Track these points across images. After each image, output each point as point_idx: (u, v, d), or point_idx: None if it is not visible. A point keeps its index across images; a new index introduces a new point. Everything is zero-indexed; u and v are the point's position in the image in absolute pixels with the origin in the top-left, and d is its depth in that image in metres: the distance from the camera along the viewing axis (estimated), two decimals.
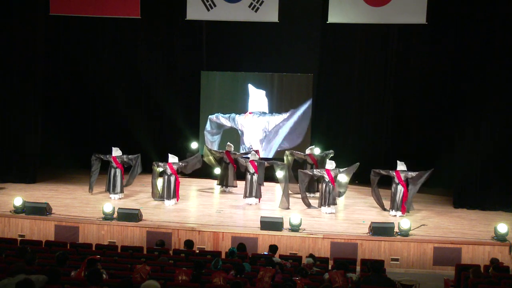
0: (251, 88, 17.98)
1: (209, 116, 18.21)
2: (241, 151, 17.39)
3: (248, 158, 15.65)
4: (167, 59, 18.52)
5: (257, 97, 18.02)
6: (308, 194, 15.84)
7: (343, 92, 17.91)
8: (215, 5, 15.49)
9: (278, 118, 17.98)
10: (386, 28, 16.91)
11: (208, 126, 18.21)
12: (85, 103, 18.68)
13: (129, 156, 15.26)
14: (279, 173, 15.33)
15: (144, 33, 18.27)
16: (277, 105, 18.11)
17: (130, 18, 16.36)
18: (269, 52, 18.02)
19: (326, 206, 14.37)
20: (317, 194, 15.49)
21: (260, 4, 15.27)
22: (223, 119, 18.16)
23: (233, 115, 18.11)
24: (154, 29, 18.25)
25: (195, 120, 18.37)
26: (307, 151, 16.43)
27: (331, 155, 16.15)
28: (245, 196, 15.23)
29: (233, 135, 17.95)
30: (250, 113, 17.97)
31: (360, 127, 17.72)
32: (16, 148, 16.68)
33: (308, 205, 14.63)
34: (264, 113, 18.06)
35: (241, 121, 18.10)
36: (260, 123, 18.04)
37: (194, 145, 18.17)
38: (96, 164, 15.37)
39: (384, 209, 14.52)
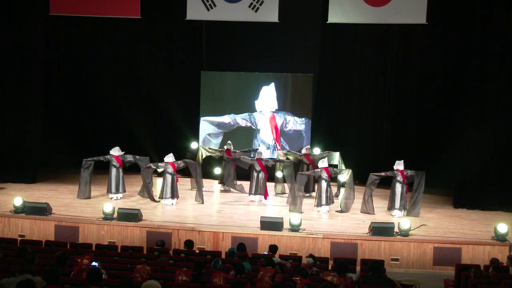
0: (265, 88, 17.88)
1: (217, 119, 18.02)
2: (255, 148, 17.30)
3: (249, 156, 15.80)
4: (167, 59, 18.54)
5: (269, 95, 17.92)
6: (304, 194, 15.90)
7: (343, 92, 17.93)
8: (215, 5, 15.49)
9: (297, 121, 17.95)
10: (386, 28, 16.91)
11: (212, 129, 18.13)
12: (85, 103, 18.70)
13: (137, 156, 15.16)
14: (282, 172, 15.47)
15: (144, 33, 18.29)
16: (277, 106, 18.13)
17: (130, 18, 16.36)
18: (269, 52, 18.03)
19: (327, 205, 14.39)
20: (313, 194, 15.51)
21: (260, 4, 15.27)
22: (240, 119, 18.04)
23: (252, 114, 18.01)
24: (154, 29, 18.28)
25: (195, 120, 18.37)
26: (304, 151, 16.42)
27: (329, 159, 16.10)
28: (250, 193, 15.35)
29: (233, 135, 17.81)
30: (271, 112, 17.91)
31: (360, 127, 17.71)
32: (16, 148, 16.67)
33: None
34: (282, 112, 17.97)
35: (262, 120, 18.03)
36: (279, 122, 18.00)
37: (194, 145, 18.20)
38: (90, 169, 14.98)
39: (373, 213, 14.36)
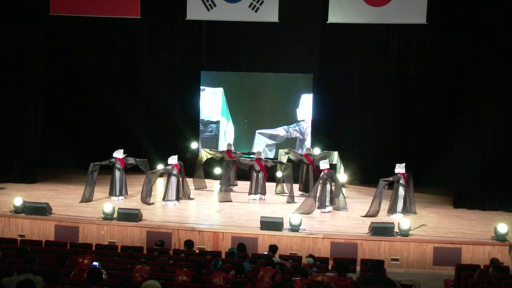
0: (305, 96, 17.91)
1: (270, 131, 18.00)
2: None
3: (249, 157, 15.89)
4: (167, 59, 18.53)
5: (306, 104, 17.97)
6: (303, 193, 15.92)
7: (343, 92, 17.91)
8: (215, 5, 15.49)
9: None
10: (386, 28, 16.90)
11: (269, 141, 18.01)
12: (85, 103, 18.66)
13: (137, 159, 15.22)
14: (280, 173, 15.48)
15: (144, 33, 18.28)
16: (277, 105, 18.13)
17: (130, 18, 16.35)
18: (269, 52, 18.03)
19: (331, 206, 14.42)
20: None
21: (260, 4, 15.26)
22: (292, 130, 18.01)
23: (299, 123, 17.99)
24: (154, 29, 18.27)
25: (195, 120, 18.38)
26: (304, 151, 16.44)
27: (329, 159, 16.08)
28: (250, 193, 15.48)
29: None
30: (312, 121, 17.93)
31: (360, 127, 17.70)
32: (16, 148, 16.68)
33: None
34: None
35: (308, 129, 17.99)
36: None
37: (194, 145, 18.22)
38: (97, 173, 14.81)
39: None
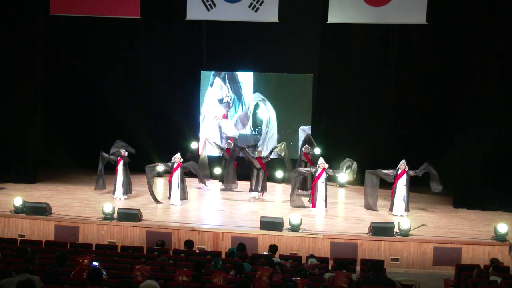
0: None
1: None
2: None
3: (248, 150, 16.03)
4: (167, 59, 18.53)
5: None
6: (301, 192, 15.94)
7: (343, 92, 17.91)
8: (215, 5, 15.48)
9: None
10: (386, 28, 16.90)
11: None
12: (85, 103, 18.67)
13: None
14: (281, 173, 15.57)
15: (144, 33, 18.28)
16: (277, 106, 18.13)
17: (130, 18, 16.35)
18: (269, 52, 18.02)
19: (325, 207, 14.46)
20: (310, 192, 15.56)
21: (260, 4, 15.26)
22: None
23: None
24: (154, 29, 18.27)
25: (195, 120, 18.38)
26: (303, 149, 16.45)
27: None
28: (250, 190, 15.57)
29: None
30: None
31: (360, 127, 17.71)
32: (16, 148, 16.68)
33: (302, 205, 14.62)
34: None
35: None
36: None
37: (194, 145, 18.21)
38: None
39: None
